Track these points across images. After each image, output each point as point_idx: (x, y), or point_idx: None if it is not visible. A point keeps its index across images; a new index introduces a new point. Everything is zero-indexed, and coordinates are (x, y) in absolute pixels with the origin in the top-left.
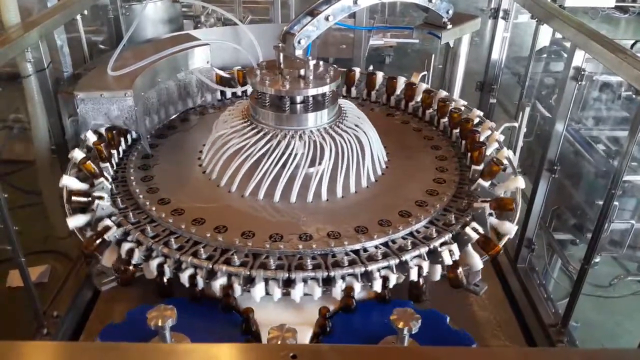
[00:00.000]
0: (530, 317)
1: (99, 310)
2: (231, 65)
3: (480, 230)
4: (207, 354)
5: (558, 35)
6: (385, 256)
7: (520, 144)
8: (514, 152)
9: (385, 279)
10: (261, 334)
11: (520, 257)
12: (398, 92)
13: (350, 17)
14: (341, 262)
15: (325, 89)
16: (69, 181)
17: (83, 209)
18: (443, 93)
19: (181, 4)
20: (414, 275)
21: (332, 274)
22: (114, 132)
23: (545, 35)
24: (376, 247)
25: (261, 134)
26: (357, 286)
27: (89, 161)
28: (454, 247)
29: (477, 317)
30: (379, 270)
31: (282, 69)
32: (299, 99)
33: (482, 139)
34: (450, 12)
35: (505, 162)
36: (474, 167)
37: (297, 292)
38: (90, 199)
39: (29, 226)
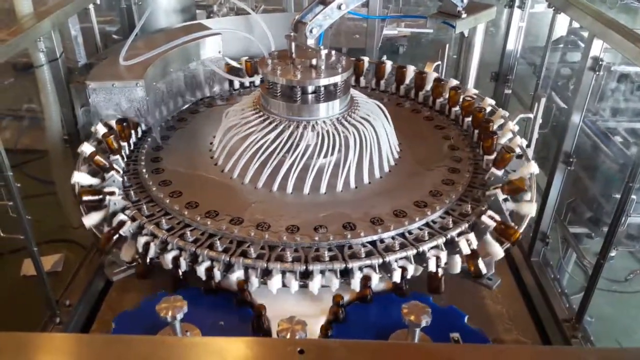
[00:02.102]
0: (544, 312)
1: (110, 299)
2: (243, 55)
3: (497, 217)
4: (214, 347)
5: (575, 25)
6: (402, 247)
7: (535, 135)
8: (529, 144)
9: (403, 270)
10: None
11: (534, 251)
12: (407, 81)
13: (363, 6)
14: (358, 253)
15: (337, 78)
16: (81, 177)
17: (97, 204)
18: (454, 82)
19: None
20: (432, 266)
21: (349, 265)
22: (124, 124)
23: (562, 25)
24: (393, 237)
25: (273, 125)
26: (375, 277)
27: (98, 155)
28: (471, 235)
29: (490, 311)
30: (396, 261)
31: (294, 58)
32: (310, 89)
33: (494, 128)
34: (465, 1)
35: (518, 150)
36: (486, 157)
37: (315, 284)
38: (101, 196)
39: (44, 215)
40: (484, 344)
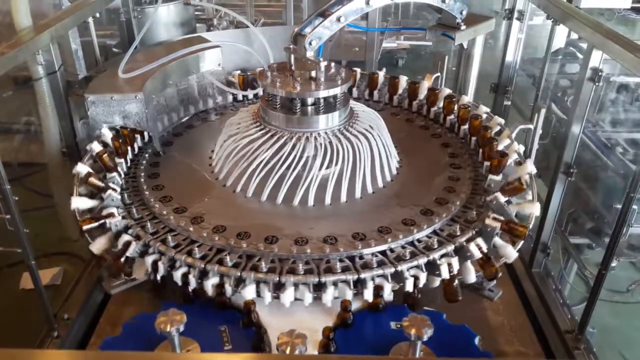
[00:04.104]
0: (545, 323)
1: (109, 313)
2: (243, 67)
3: (501, 218)
4: None
5: (574, 36)
6: (413, 255)
7: (535, 146)
8: (530, 155)
9: (415, 279)
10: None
11: (535, 262)
12: (400, 91)
13: (362, 19)
14: (370, 263)
15: (337, 90)
16: (79, 202)
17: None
18: (447, 91)
19: (194, 7)
20: (444, 273)
21: (362, 276)
22: (120, 140)
23: (561, 36)
24: (403, 247)
25: (273, 137)
26: (388, 287)
27: (92, 177)
28: (480, 240)
29: (491, 323)
30: (408, 270)
31: (293, 70)
32: (309, 100)
33: (492, 134)
34: (464, 13)
35: (515, 156)
36: (487, 163)
37: (328, 295)
38: (101, 221)
39: (44, 228)
40: (484, 359)
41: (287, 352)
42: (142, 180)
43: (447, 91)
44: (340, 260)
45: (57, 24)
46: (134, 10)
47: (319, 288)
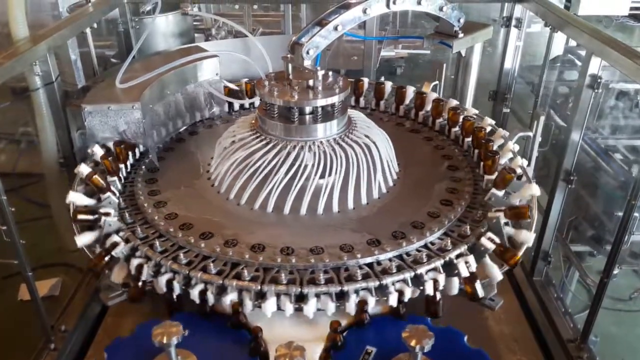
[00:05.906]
0: (547, 332)
1: (107, 324)
2: (241, 77)
3: (502, 208)
4: None
5: (572, 44)
6: (429, 258)
7: (535, 153)
8: (529, 162)
9: (435, 282)
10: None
11: (537, 270)
12: (386, 96)
13: (360, 28)
14: (389, 269)
15: (335, 99)
16: (82, 240)
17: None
18: (434, 95)
19: (192, 17)
20: (464, 272)
21: (384, 282)
22: (109, 158)
23: (559, 44)
24: (418, 250)
25: (271, 146)
26: (408, 291)
27: (79, 214)
28: (489, 233)
29: (492, 332)
30: (426, 273)
31: (291, 79)
32: (307, 109)
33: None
34: (462, 20)
35: (518, 170)
36: (487, 176)
37: (351, 304)
38: (106, 254)
39: (42, 239)
40: None
41: None
42: (142, 198)
43: (434, 95)
44: (360, 268)
45: (55, 34)
46: (132, 20)
47: (342, 297)
